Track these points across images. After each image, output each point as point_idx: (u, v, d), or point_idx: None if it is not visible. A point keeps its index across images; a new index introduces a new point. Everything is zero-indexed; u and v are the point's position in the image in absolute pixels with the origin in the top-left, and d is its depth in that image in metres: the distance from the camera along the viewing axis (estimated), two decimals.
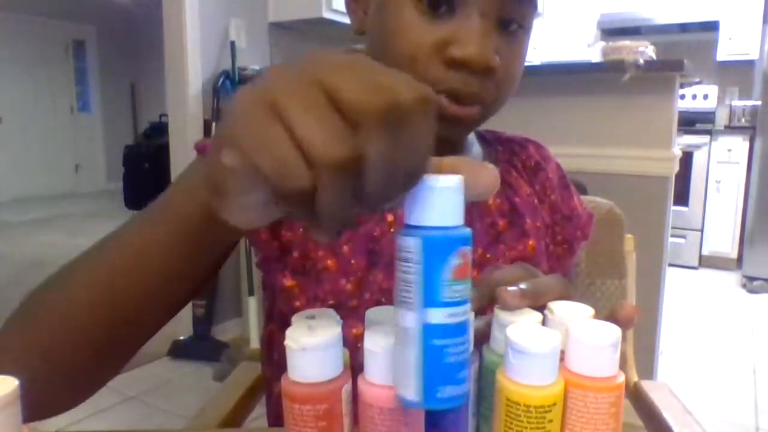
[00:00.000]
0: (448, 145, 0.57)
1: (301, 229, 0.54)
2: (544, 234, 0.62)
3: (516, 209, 0.60)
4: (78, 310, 0.42)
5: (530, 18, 0.52)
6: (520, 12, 0.50)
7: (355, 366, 0.34)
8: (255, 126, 0.24)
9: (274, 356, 0.60)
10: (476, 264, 0.56)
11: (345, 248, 0.53)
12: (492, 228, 0.58)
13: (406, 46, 0.49)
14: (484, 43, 0.48)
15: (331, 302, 0.52)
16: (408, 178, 0.26)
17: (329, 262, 0.53)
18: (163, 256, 0.42)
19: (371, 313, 0.37)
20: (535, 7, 0.52)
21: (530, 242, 0.59)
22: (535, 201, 0.62)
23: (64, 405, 0.45)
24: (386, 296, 0.53)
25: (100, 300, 0.42)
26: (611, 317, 0.36)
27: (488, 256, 0.57)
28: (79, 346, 0.43)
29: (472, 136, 0.65)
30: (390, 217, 0.54)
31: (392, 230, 0.54)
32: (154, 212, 0.45)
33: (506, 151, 0.65)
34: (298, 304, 0.53)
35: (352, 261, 0.53)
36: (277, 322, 0.59)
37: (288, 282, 0.54)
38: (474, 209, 0.57)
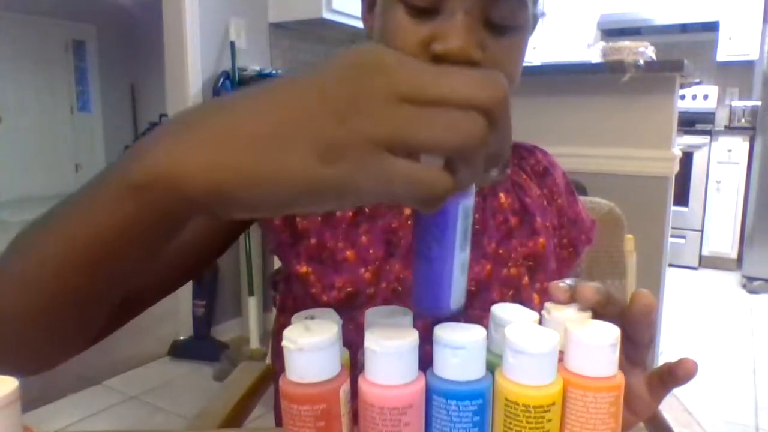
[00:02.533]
0: None
1: (318, 218, 0.55)
2: (553, 234, 0.64)
3: (526, 208, 0.61)
4: (47, 272, 0.35)
5: (521, 16, 0.51)
6: (507, 9, 0.50)
7: (360, 363, 0.34)
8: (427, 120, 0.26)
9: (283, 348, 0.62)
10: (489, 257, 0.57)
11: (364, 239, 0.55)
12: (504, 224, 0.60)
13: (395, 47, 0.50)
14: (465, 37, 0.48)
15: (349, 289, 0.54)
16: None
17: (348, 253, 0.55)
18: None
19: (370, 313, 0.37)
20: (524, 3, 0.51)
21: (540, 240, 0.61)
22: (544, 202, 0.64)
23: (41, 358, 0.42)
24: (402, 285, 0.54)
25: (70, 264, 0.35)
26: (629, 310, 0.37)
27: (501, 251, 0.58)
28: (55, 302, 0.37)
29: None
30: (407, 211, 0.56)
31: (409, 222, 0.56)
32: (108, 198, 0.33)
33: (515, 155, 0.67)
34: (314, 291, 0.54)
35: (371, 251, 0.55)
36: (290, 313, 0.59)
37: (303, 269, 0.55)
38: (487, 207, 0.59)
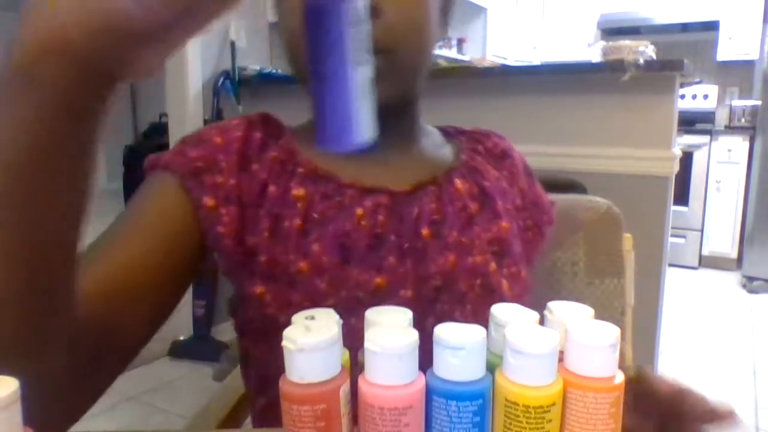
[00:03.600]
0: (391, 122, 0.49)
1: (266, 233, 0.52)
2: (516, 216, 0.62)
3: (485, 192, 0.60)
4: None
5: None
6: None
7: (360, 364, 0.34)
8: None
9: (251, 372, 0.58)
10: (452, 247, 0.55)
11: (315, 247, 0.52)
12: (463, 211, 0.57)
13: (288, 18, 0.50)
14: None
15: (306, 305, 0.49)
16: None
17: (301, 264, 0.51)
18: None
19: (371, 313, 0.37)
20: None
21: (503, 223, 0.59)
22: (504, 184, 0.63)
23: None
24: (363, 290, 0.52)
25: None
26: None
27: (463, 239, 0.56)
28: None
29: (432, 129, 0.65)
30: (359, 211, 0.53)
31: (362, 223, 0.53)
32: None
33: (470, 141, 0.65)
34: (270, 311, 0.51)
35: (324, 258, 0.51)
36: (249, 337, 0.56)
37: (258, 289, 0.52)
38: (443, 194, 0.57)
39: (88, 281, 0.40)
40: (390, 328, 0.33)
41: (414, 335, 0.32)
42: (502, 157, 0.65)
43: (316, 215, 0.53)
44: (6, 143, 0.28)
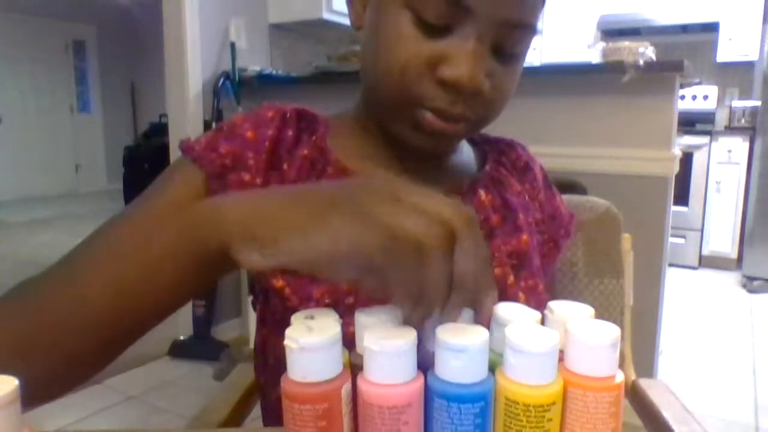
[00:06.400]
0: (437, 150, 0.56)
1: None
2: (535, 230, 0.63)
3: (508, 205, 0.60)
4: (89, 308, 0.44)
5: (526, 45, 0.51)
6: (518, 38, 0.50)
7: (353, 365, 0.34)
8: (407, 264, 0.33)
9: (269, 361, 0.59)
10: None
11: None
12: (486, 223, 0.58)
13: (398, 57, 0.48)
14: (476, 66, 0.47)
15: (327, 301, 0.51)
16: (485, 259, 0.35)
17: None
18: (170, 273, 0.44)
19: (361, 314, 0.36)
20: (533, 33, 0.51)
21: (524, 237, 0.60)
22: (526, 197, 0.63)
23: (52, 394, 0.47)
24: None
25: (111, 302, 0.44)
26: None
27: None
28: (85, 339, 0.45)
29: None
30: None
31: None
32: (152, 230, 0.46)
33: (495, 151, 0.66)
34: (290, 304, 0.52)
35: None
36: (271, 326, 0.58)
37: (278, 282, 0.53)
38: (469, 203, 0.58)
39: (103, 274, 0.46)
40: (388, 327, 0.33)
41: (412, 334, 0.32)
42: (524, 169, 0.65)
43: None
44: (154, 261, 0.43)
